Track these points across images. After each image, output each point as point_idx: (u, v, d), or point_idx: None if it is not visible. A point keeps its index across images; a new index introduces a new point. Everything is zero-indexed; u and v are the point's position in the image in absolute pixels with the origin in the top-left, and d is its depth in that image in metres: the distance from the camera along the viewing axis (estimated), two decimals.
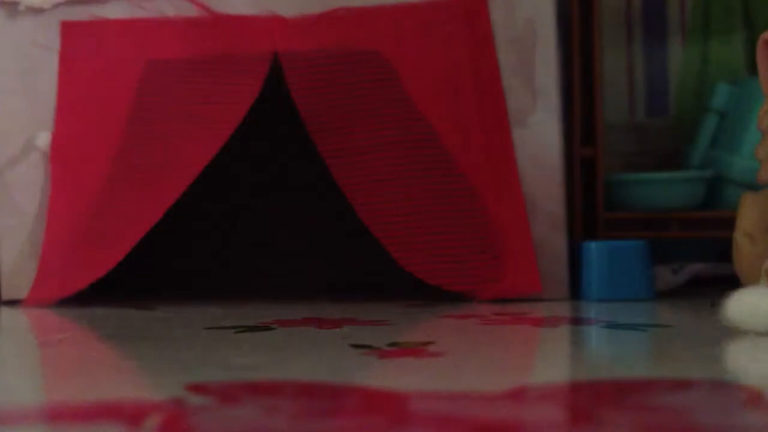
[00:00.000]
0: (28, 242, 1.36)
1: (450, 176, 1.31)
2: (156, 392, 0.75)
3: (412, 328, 1.09)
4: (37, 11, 1.37)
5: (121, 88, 1.34)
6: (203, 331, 1.06)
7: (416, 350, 0.91)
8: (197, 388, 0.74)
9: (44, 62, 1.37)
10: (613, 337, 1.00)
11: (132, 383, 0.81)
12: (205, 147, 1.31)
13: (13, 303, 1.35)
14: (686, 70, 1.56)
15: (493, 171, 1.30)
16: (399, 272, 1.31)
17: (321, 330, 1.05)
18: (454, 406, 0.67)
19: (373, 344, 0.94)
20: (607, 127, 1.52)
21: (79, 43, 1.36)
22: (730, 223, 1.15)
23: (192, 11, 1.34)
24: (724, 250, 1.31)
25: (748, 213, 1.11)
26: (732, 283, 1.09)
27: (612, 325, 1.06)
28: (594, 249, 1.31)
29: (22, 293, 1.34)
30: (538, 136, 1.31)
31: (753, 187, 1.25)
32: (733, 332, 0.97)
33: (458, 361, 0.86)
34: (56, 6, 1.36)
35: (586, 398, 0.72)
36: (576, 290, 1.33)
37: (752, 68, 1.51)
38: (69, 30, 1.36)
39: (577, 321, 1.12)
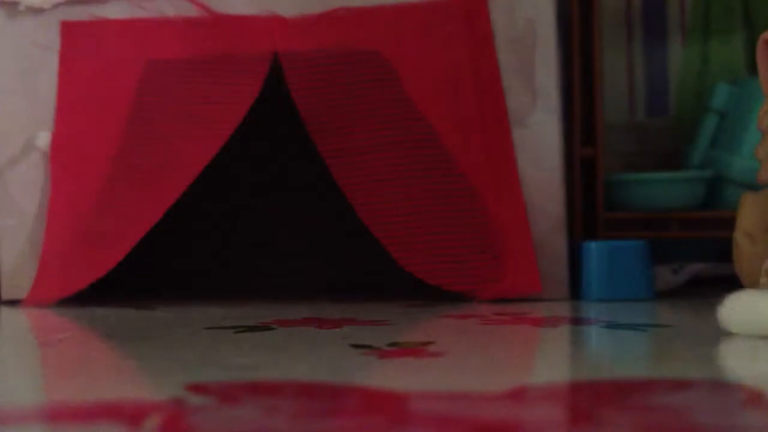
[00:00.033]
0: (28, 242, 1.36)
1: (450, 176, 1.31)
2: (156, 392, 0.75)
3: (412, 328, 1.09)
4: (37, 11, 1.37)
5: (121, 88, 1.34)
6: (203, 331, 1.06)
7: (416, 350, 0.91)
8: (197, 388, 0.74)
9: (44, 62, 1.37)
10: (613, 337, 1.00)
11: (132, 383, 0.81)
12: (205, 147, 1.31)
13: (13, 303, 1.35)
14: (686, 70, 1.56)
15: (493, 171, 1.30)
16: (399, 272, 1.31)
17: (321, 330, 1.05)
18: (454, 406, 0.67)
19: (373, 344, 0.94)
20: (607, 127, 1.52)
21: (79, 43, 1.36)
22: (730, 223, 1.15)
23: (192, 11, 1.34)
24: (724, 250, 1.31)
25: (748, 213, 1.10)
26: (732, 283, 1.09)
27: (612, 325, 1.06)
28: (594, 249, 1.31)
29: (22, 293, 1.34)
30: (538, 136, 1.31)
31: (753, 187, 1.25)
32: (733, 332, 0.97)
33: (458, 361, 0.86)
34: (56, 6, 1.36)
35: (586, 398, 0.72)
36: (576, 290, 1.33)
37: (752, 68, 1.51)
38: (69, 30, 1.36)
39: (577, 321, 1.12)
